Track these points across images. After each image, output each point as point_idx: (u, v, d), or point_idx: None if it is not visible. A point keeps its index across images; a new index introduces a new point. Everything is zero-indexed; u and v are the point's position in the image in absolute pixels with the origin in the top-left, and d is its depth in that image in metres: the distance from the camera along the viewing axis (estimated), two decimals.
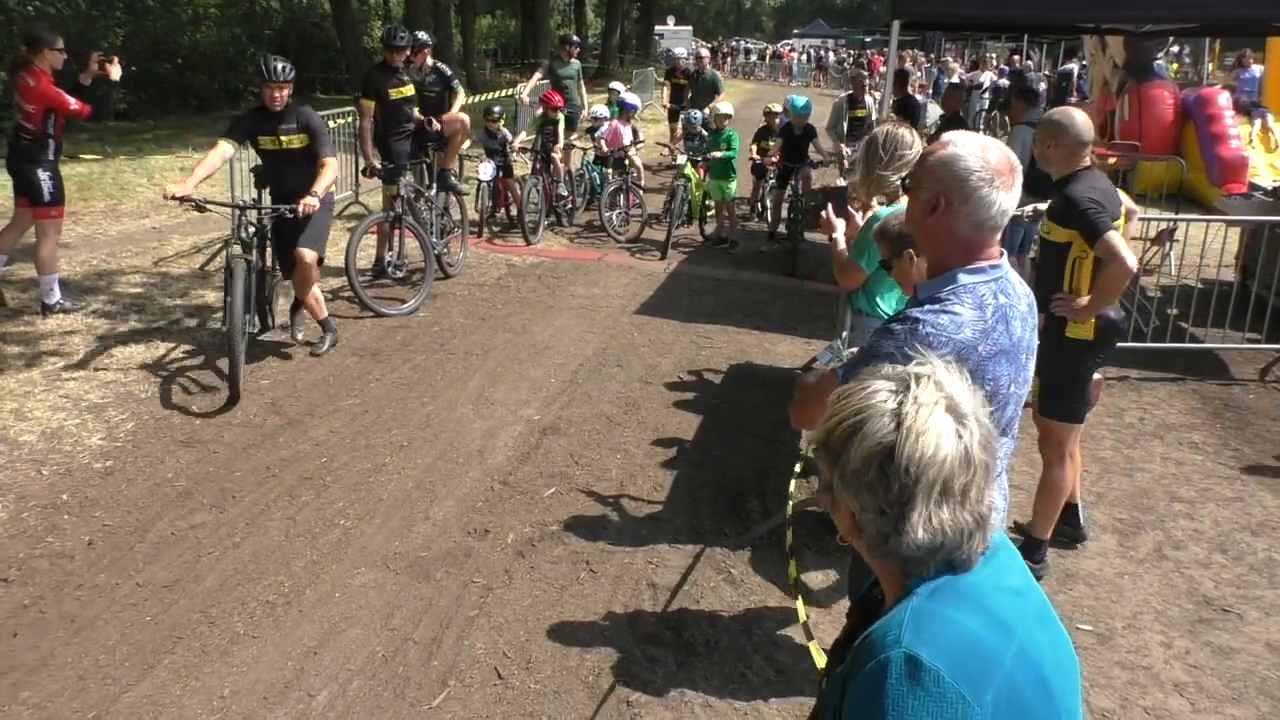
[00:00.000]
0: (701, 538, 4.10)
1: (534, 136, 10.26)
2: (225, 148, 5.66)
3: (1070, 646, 1.26)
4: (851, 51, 45.00)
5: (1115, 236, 3.48)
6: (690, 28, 47.71)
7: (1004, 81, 17.95)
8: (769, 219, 10.07)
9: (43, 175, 6.21)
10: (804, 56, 44.56)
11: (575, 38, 12.04)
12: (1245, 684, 3.25)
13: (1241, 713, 3.11)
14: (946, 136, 1.96)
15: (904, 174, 3.06)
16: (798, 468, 4.33)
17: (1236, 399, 5.85)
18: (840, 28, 62.76)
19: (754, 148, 10.09)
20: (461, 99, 8.40)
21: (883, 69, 18.30)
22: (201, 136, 14.80)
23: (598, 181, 10.52)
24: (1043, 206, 4.46)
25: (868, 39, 48.72)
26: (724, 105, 9.95)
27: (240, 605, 3.50)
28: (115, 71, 6.35)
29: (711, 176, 9.53)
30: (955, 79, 17.24)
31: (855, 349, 3.08)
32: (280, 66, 5.64)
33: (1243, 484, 4.74)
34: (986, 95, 18.08)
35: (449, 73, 8.40)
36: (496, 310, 7.19)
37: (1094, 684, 3.21)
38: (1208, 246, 6.98)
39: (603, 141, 10.39)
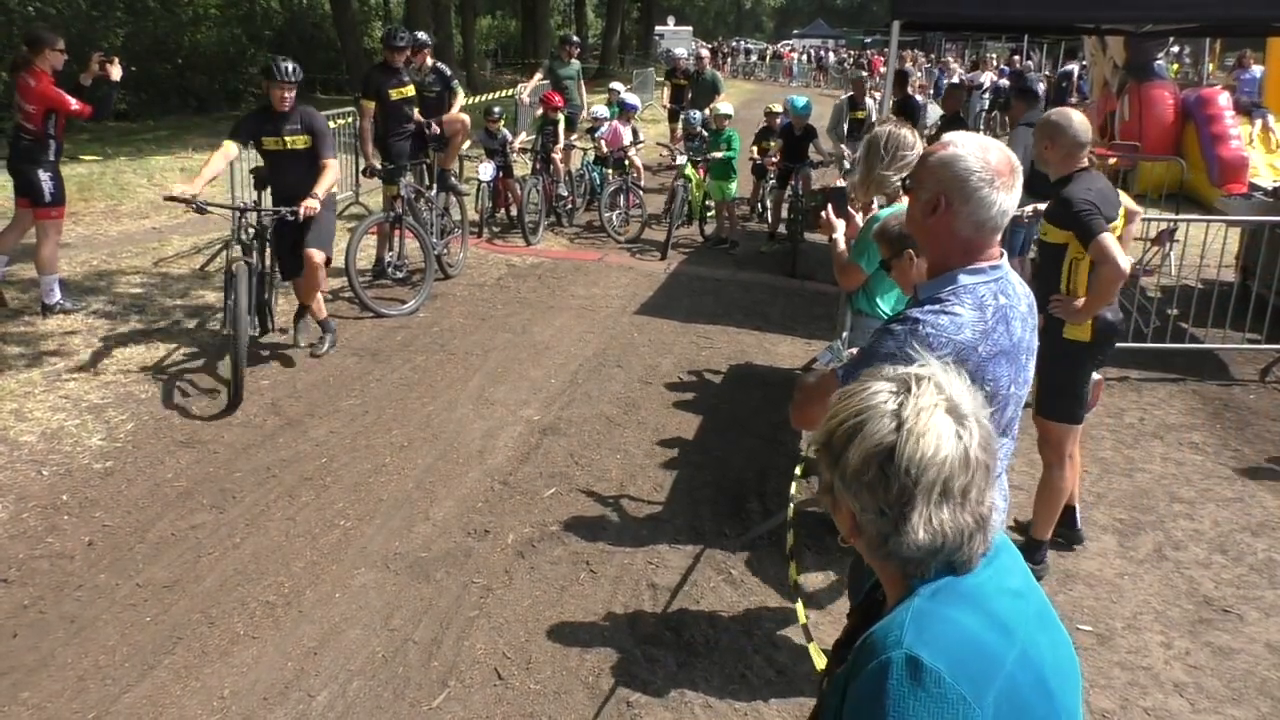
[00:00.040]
0: (701, 538, 4.10)
1: (534, 137, 10.27)
2: (230, 149, 5.66)
3: (1071, 648, 1.26)
4: (851, 52, 45.00)
5: (1108, 238, 3.47)
6: (690, 28, 47.74)
7: (1004, 82, 17.97)
8: (769, 219, 10.07)
9: (43, 176, 6.21)
10: (804, 57, 44.56)
11: (575, 38, 12.04)
12: (1245, 684, 3.25)
13: (1241, 713, 3.11)
14: (947, 137, 1.96)
15: (904, 174, 3.06)
16: (798, 469, 4.33)
17: (1236, 399, 5.85)
18: (840, 28, 62.76)
19: (754, 149, 10.10)
20: (461, 99, 8.40)
21: (883, 69, 18.30)
22: (201, 137, 14.81)
23: (598, 182, 10.52)
24: (1042, 207, 4.46)
25: (868, 39, 48.76)
26: (724, 106, 9.95)
27: (240, 606, 3.50)
28: (115, 72, 6.35)
29: (712, 177, 9.53)
30: (955, 79, 17.25)
31: (855, 349, 3.08)
32: (289, 67, 5.64)
33: (1243, 484, 4.74)
34: (986, 96, 18.09)
35: (448, 73, 8.40)
36: (496, 310, 7.19)
37: (1094, 684, 3.21)
38: (1208, 247, 6.98)
39: (603, 142, 10.39)
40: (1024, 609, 1.20)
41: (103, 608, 3.46)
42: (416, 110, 7.75)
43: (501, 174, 9.48)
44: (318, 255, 5.72)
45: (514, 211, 9.56)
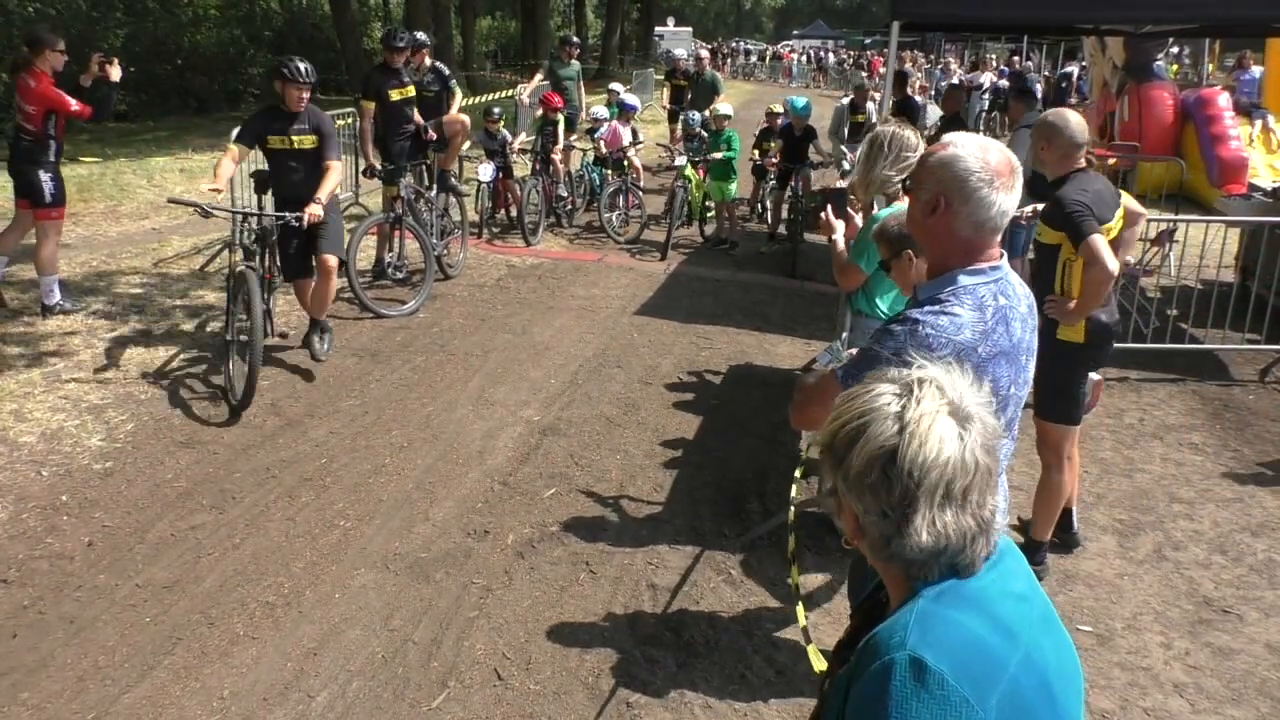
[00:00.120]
0: (701, 539, 4.10)
1: (534, 137, 10.27)
2: (236, 152, 5.65)
3: (1073, 651, 1.26)
4: (851, 52, 45.02)
5: (1097, 240, 3.46)
6: (690, 29, 47.78)
7: (1004, 82, 17.98)
8: (769, 220, 10.07)
9: (44, 176, 6.21)
10: (804, 57, 44.57)
11: (575, 39, 12.03)
12: (1245, 685, 3.25)
13: (1241, 713, 3.11)
14: (947, 137, 1.96)
15: (906, 175, 3.06)
16: (798, 471, 4.33)
17: (1236, 400, 5.85)
18: (840, 29, 62.77)
19: (755, 151, 10.10)
20: (459, 99, 8.39)
21: (882, 70, 18.30)
22: (201, 138, 14.82)
23: (597, 182, 10.52)
24: (1042, 208, 4.45)
25: (867, 40, 48.77)
26: (724, 106, 9.95)
27: (240, 606, 3.50)
28: (115, 73, 6.35)
29: (712, 177, 9.54)
30: (955, 79, 17.25)
31: (855, 349, 3.08)
32: (305, 68, 5.60)
33: (1242, 484, 4.74)
34: (986, 96, 18.10)
35: (447, 72, 8.40)
36: (496, 311, 7.19)
37: (1094, 685, 3.21)
38: (1208, 247, 6.98)
39: (602, 142, 10.39)
40: (1028, 612, 1.20)
41: (102, 608, 3.46)
42: (416, 110, 7.75)
43: (501, 175, 9.48)
44: (332, 260, 5.70)
45: (514, 212, 9.56)
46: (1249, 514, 4.44)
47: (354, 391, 5.53)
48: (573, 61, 11.22)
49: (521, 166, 10.51)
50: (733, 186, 9.49)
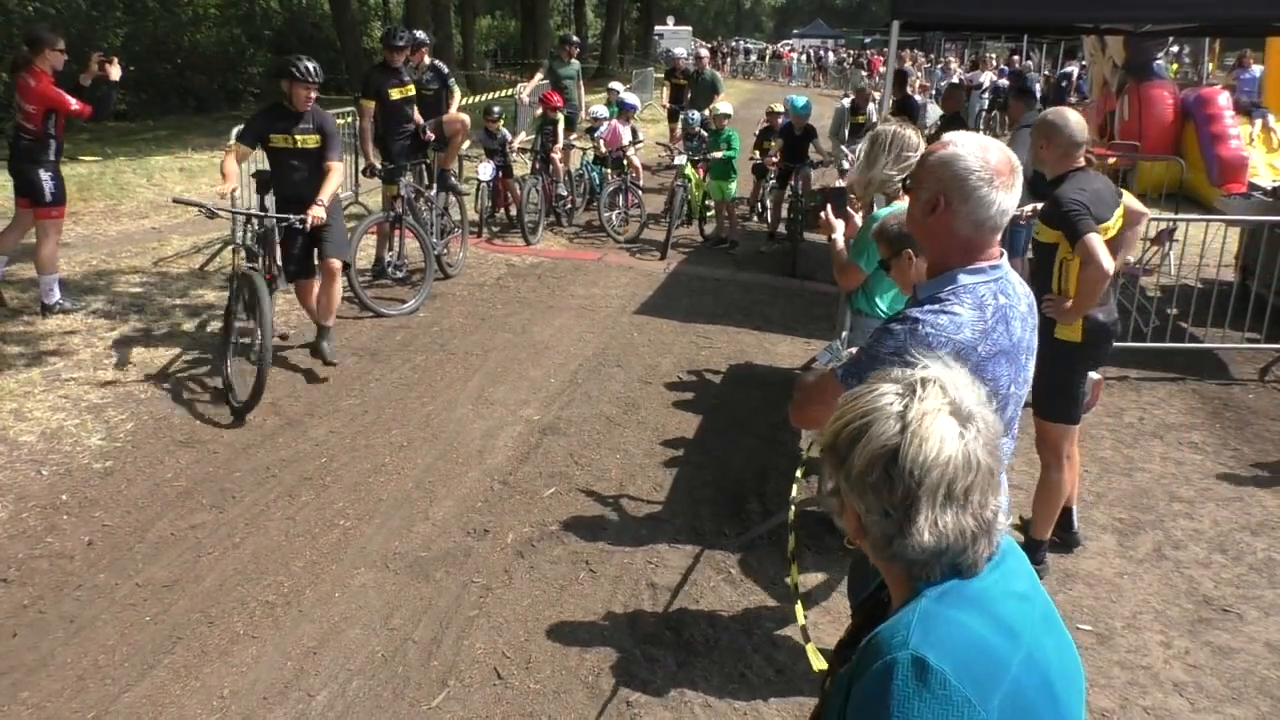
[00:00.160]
0: (701, 538, 4.10)
1: (533, 137, 10.27)
2: (241, 149, 5.65)
3: (1075, 652, 1.26)
4: (851, 52, 45.01)
5: (1093, 239, 3.45)
6: (690, 28, 47.74)
7: (1004, 82, 17.97)
8: (769, 219, 10.07)
9: (44, 175, 6.21)
10: (804, 57, 44.58)
11: (575, 38, 12.03)
12: (1245, 684, 3.25)
13: (1241, 712, 3.12)
14: (947, 136, 1.96)
15: (906, 175, 3.06)
16: (799, 471, 4.33)
17: (1236, 399, 5.85)
18: (840, 28, 62.74)
19: (756, 151, 10.09)
20: (458, 97, 8.38)
21: (882, 69, 18.30)
22: (201, 137, 14.81)
23: (597, 181, 10.52)
24: (1040, 207, 4.45)
25: (867, 39, 48.75)
26: (723, 105, 9.95)
27: (240, 605, 3.50)
28: (115, 72, 6.35)
29: (712, 177, 9.54)
30: (955, 79, 17.25)
31: (854, 349, 3.08)
32: (313, 67, 5.57)
33: (1242, 484, 4.74)
34: (986, 96, 18.10)
35: (445, 70, 8.40)
36: (496, 310, 7.19)
37: (1094, 684, 3.21)
38: (1208, 246, 6.98)
39: (602, 141, 10.39)
40: (1030, 612, 1.21)
41: (102, 607, 3.46)
42: (416, 109, 7.75)
43: (501, 174, 9.48)
44: (336, 263, 5.70)
45: (513, 211, 9.56)
46: (1249, 513, 4.44)
47: (354, 391, 5.53)
48: (572, 60, 11.23)
49: (521, 165, 10.51)
50: (733, 186, 9.49)
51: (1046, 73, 19.40)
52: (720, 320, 7.19)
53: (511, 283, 8.00)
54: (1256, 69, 13.85)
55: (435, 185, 8.04)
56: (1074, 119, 3.70)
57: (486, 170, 9.20)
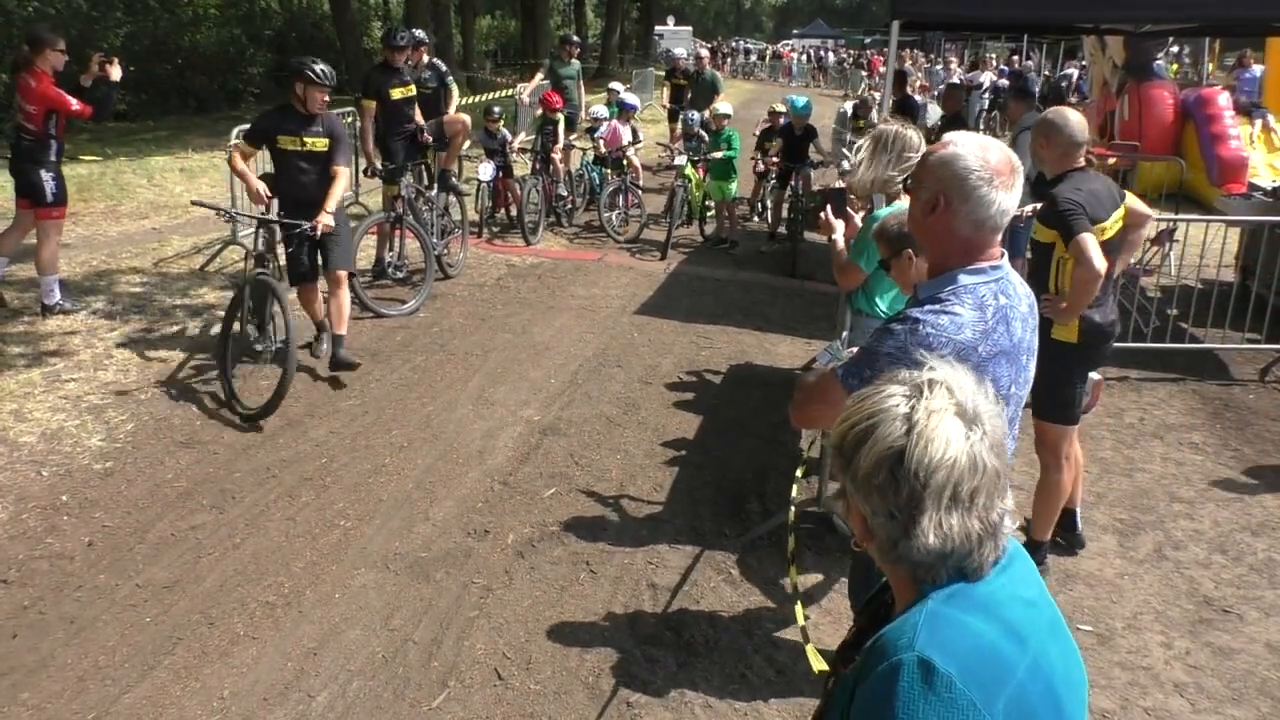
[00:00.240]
0: (701, 538, 4.09)
1: (534, 137, 10.27)
2: (248, 150, 5.63)
3: (1079, 658, 1.26)
4: (851, 52, 45.00)
5: (1086, 239, 3.45)
6: (690, 28, 47.69)
7: (1003, 82, 17.97)
8: (769, 219, 10.07)
9: (45, 176, 6.21)
10: (804, 57, 44.57)
11: (575, 38, 12.03)
12: (1245, 684, 3.25)
13: (1241, 713, 3.11)
14: (947, 136, 1.96)
15: (907, 175, 3.06)
16: (799, 471, 4.33)
17: (1236, 399, 5.85)
18: (840, 28, 62.73)
19: (757, 153, 10.08)
20: (457, 96, 8.38)
21: (882, 69, 18.31)
22: (201, 137, 14.81)
23: (597, 182, 10.52)
24: (1039, 206, 4.45)
25: (867, 39, 48.73)
26: (723, 105, 9.95)
27: (240, 606, 3.50)
28: (115, 72, 6.35)
29: (712, 177, 9.53)
30: (955, 79, 17.25)
31: (855, 349, 3.08)
32: (326, 70, 5.56)
33: (1243, 484, 4.74)
34: (986, 96, 18.10)
35: (444, 69, 8.40)
36: (496, 311, 7.19)
37: (1094, 684, 3.21)
38: (1208, 246, 6.98)
39: (602, 142, 10.39)
40: (1037, 618, 1.20)
41: (102, 608, 3.46)
42: (416, 109, 7.75)
43: (501, 174, 9.48)
44: (343, 274, 5.70)
45: (514, 211, 9.56)
46: (1249, 513, 4.44)
47: (354, 391, 5.53)
48: (573, 61, 11.22)
49: (521, 166, 10.52)
50: (733, 186, 9.48)
51: (1046, 73, 19.39)
52: (720, 320, 7.19)
53: (512, 283, 8.00)
54: (1256, 69, 13.84)
55: (436, 185, 8.04)
56: (1074, 119, 3.70)
57: (487, 170, 9.20)
